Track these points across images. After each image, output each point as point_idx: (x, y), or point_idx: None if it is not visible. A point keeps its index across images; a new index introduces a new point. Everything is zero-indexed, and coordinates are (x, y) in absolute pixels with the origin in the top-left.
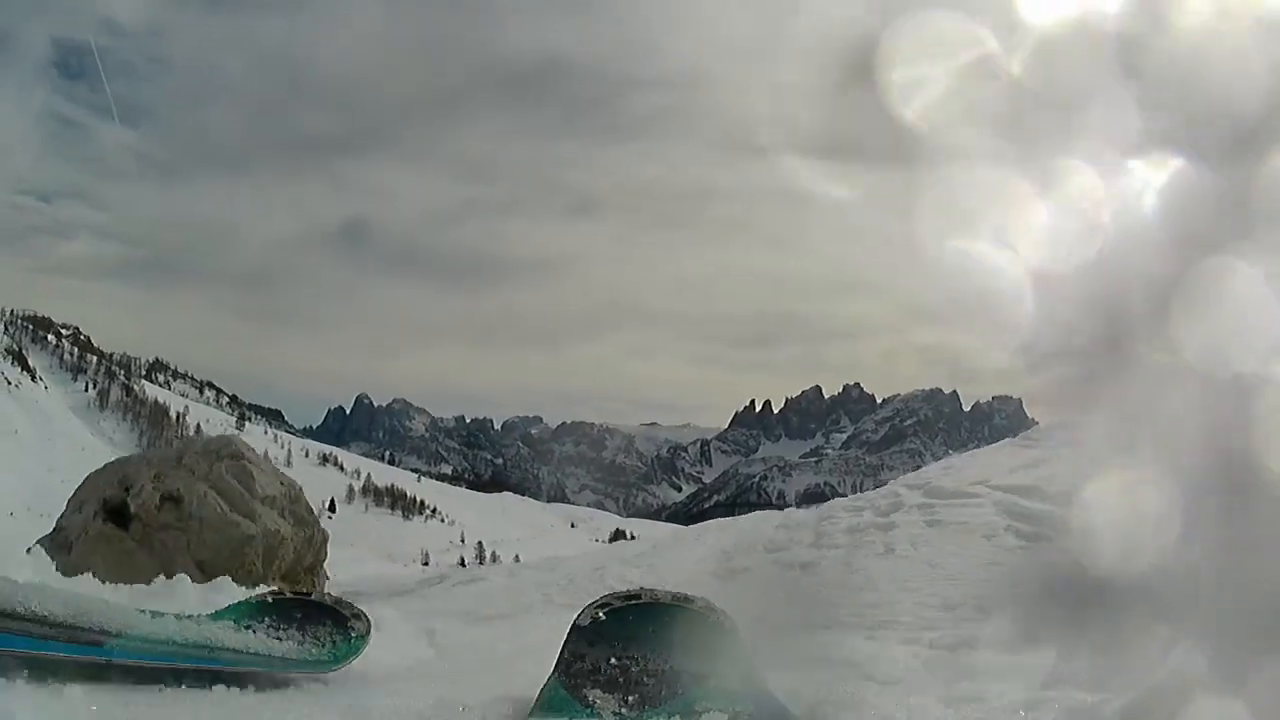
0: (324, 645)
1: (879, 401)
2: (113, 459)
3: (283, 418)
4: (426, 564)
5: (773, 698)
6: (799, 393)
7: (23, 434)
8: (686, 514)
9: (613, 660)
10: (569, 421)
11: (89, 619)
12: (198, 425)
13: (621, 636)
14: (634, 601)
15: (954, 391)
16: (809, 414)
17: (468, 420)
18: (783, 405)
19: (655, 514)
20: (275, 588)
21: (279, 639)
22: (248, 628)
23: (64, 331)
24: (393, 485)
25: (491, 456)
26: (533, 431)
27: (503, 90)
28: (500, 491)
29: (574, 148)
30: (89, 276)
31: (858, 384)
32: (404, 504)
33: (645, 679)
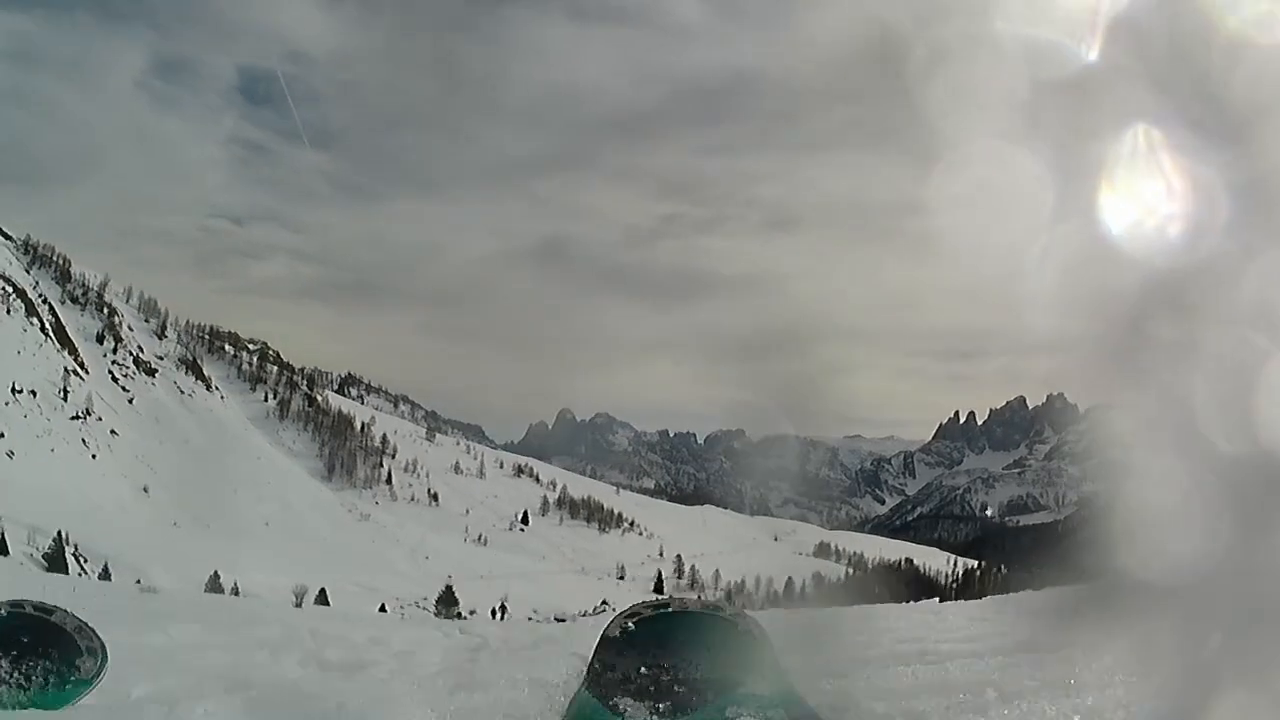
0: (32, 683)
1: (1083, 411)
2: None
3: (483, 433)
4: (622, 578)
5: (805, 705)
6: (1003, 404)
7: (194, 443)
8: (890, 527)
9: (643, 669)
10: (772, 435)
11: None
12: (383, 435)
13: (651, 645)
14: (663, 610)
15: None
16: (1013, 425)
17: (671, 435)
18: (986, 417)
19: (859, 526)
20: (16, 599)
21: None
22: None
23: (251, 346)
24: (589, 497)
25: (694, 470)
26: (736, 445)
27: (696, 107)
28: (702, 505)
29: (769, 163)
30: (284, 296)
31: (1061, 394)
32: (600, 517)
33: (676, 687)
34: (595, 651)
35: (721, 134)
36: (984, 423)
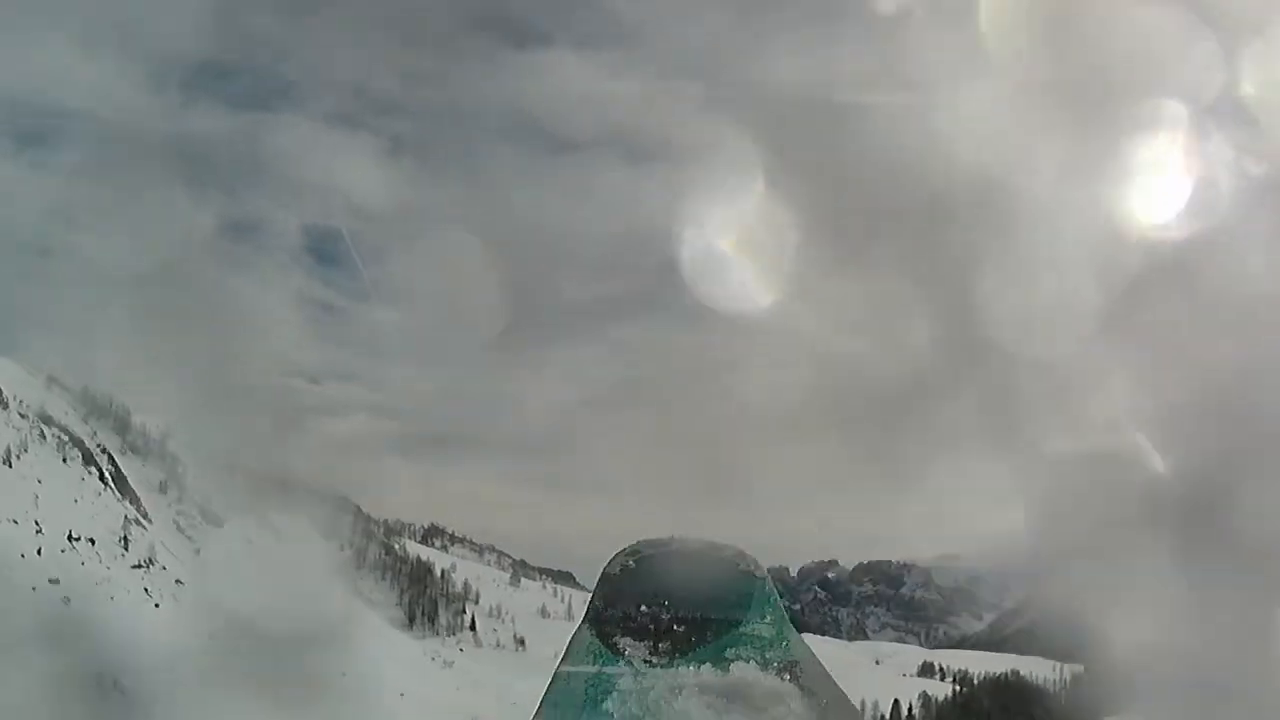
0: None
1: None
2: None
3: (574, 579)
4: None
5: (803, 645)
6: None
7: (265, 593)
8: (990, 641)
9: (643, 607)
10: (865, 561)
11: None
12: (465, 581)
13: (651, 584)
14: (664, 548)
15: None
16: None
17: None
18: None
19: (958, 644)
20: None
21: None
22: None
23: (328, 497)
24: None
25: (789, 602)
26: (830, 575)
27: None
28: (799, 634)
29: None
30: (364, 452)
31: None
32: None
33: (675, 626)
34: (596, 588)
35: None
36: None
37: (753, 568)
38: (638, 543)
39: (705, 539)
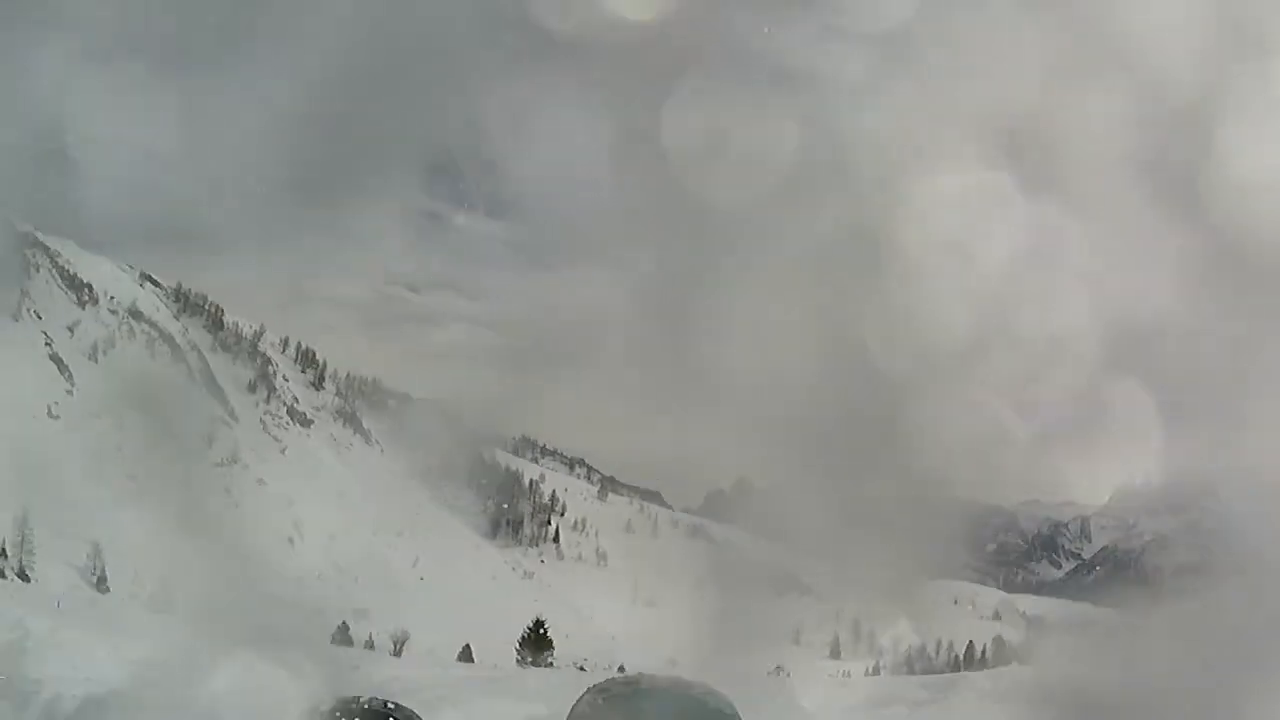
0: None
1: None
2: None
3: (660, 497)
4: (797, 643)
5: None
6: None
7: (349, 496)
8: (1067, 590)
9: None
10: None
11: None
12: (552, 493)
13: None
14: (634, 687)
15: None
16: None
17: None
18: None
19: (1035, 590)
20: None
21: None
22: None
23: (420, 403)
24: (766, 561)
25: None
26: None
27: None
28: None
29: None
30: (461, 362)
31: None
32: (777, 580)
33: None
34: None
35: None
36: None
37: (723, 706)
38: (608, 680)
39: (672, 676)
